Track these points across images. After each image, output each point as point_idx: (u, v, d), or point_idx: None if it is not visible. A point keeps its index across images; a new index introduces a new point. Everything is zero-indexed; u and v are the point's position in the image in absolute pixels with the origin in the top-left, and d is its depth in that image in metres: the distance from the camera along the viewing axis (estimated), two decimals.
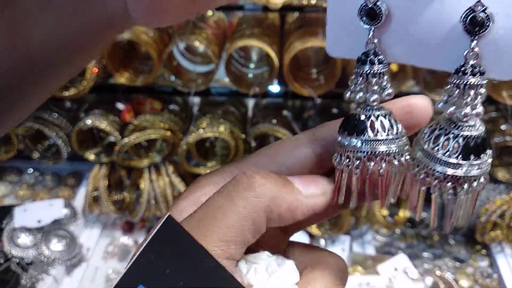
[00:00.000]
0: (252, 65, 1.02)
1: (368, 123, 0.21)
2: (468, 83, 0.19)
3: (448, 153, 0.20)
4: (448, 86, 0.20)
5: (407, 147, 0.22)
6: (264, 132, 1.01)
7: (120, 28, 0.24)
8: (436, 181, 0.21)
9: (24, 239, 1.05)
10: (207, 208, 0.21)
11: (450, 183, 0.21)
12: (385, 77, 0.21)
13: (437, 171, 0.21)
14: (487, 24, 0.19)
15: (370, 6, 0.20)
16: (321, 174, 0.25)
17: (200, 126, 1.01)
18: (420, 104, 0.24)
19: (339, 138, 0.22)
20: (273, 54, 0.88)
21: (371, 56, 0.21)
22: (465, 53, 0.20)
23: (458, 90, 0.20)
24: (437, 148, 0.21)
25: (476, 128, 0.20)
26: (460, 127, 0.20)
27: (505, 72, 0.20)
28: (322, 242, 1.07)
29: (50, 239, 1.06)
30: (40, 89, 0.25)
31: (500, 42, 0.20)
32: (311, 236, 1.09)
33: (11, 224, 1.05)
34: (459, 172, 0.20)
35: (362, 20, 0.21)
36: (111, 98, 1.09)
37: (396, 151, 0.22)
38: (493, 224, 1.04)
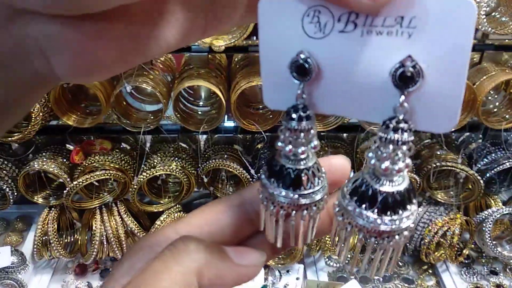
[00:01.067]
0: (201, 103, 1.04)
1: (294, 177, 0.22)
2: (389, 138, 0.19)
3: (367, 207, 0.20)
4: (376, 137, 0.20)
5: (326, 196, 0.23)
6: (216, 167, 1.03)
7: (49, 85, 0.23)
8: (361, 234, 0.21)
9: None
10: (144, 274, 0.22)
11: (373, 237, 0.21)
12: (312, 132, 0.22)
13: (359, 224, 0.20)
14: (417, 79, 0.19)
15: (300, 62, 0.20)
16: (254, 231, 0.27)
17: (152, 164, 1.02)
18: (339, 164, 0.26)
19: (265, 182, 0.23)
20: (220, 94, 0.91)
21: (300, 112, 0.21)
22: (394, 107, 0.19)
23: (380, 143, 0.20)
24: (358, 201, 0.21)
25: (397, 184, 0.20)
26: (381, 182, 0.20)
27: (437, 125, 0.20)
28: (276, 273, 1.09)
29: None
30: None
31: (431, 96, 0.19)
32: (265, 266, 1.10)
33: None
34: (381, 227, 0.20)
35: (293, 76, 0.21)
36: (59, 139, 1.07)
37: (318, 200, 0.22)
38: (436, 244, 1.10)
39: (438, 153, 1.08)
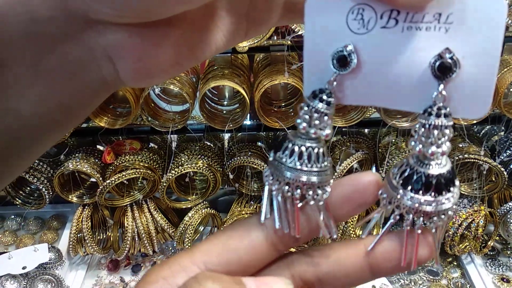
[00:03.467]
0: (225, 103, 1.08)
1: (297, 152, 0.23)
2: (433, 123, 0.21)
3: (415, 189, 0.21)
4: (417, 125, 0.21)
5: (329, 181, 0.23)
6: (241, 164, 1.06)
7: (112, 89, 0.24)
8: (410, 215, 0.22)
9: (9, 286, 1.06)
10: None
11: (421, 217, 0.22)
12: (326, 118, 0.23)
13: (407, 206, 0.22)
14: (454, 69, 0.20)
15: (344, 53, 0.22)
16: (276, 256, 0.24)
17: (179, 162, 1.06)
18: (368, 182, 0.23)
19: (272, 158, 0.24)
20: (244, 93, 0.94)
21: (323, 95, 0.22)
22: (433, 96, 0.21)
23: (423, 130, 0.21)
24: (405, 185, 0.22)
25: (442, 166, 0.21)
26: (427, 165, 0.21)
27: (472, 112, 0.21)
28: None
29: (36, 285, 1.07)
30: (32, 150, 0.25)
31: (466, 85, 0.21)
32: None
33: None
34: (428, 208, 0.21)
35: (332, 64, 0.22)
36: (89, 141, 1.12)
37: (319, 181, 0.23)
38: (460, 236, 1.11)
39: (461, 145, 1.09)
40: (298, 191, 0.23)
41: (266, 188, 0.24)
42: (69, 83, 0.22)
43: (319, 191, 0.23)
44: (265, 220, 0.24)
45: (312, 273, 0.24)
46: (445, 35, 0.20)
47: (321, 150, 0.23)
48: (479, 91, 0.21)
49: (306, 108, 0.23)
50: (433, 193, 0.21)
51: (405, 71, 0.21)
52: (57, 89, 0.22)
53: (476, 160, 1.03)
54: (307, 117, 0.23)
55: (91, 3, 0.19)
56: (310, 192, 0.23)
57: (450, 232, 1.10)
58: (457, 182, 0.22)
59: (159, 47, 0.22)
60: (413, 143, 0.22)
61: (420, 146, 0.21)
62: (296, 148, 0.23)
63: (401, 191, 0.22)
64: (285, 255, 0.25)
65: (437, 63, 0.20)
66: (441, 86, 0.21)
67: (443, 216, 0.22)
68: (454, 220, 1.09)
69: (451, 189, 0.22)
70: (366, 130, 1.19)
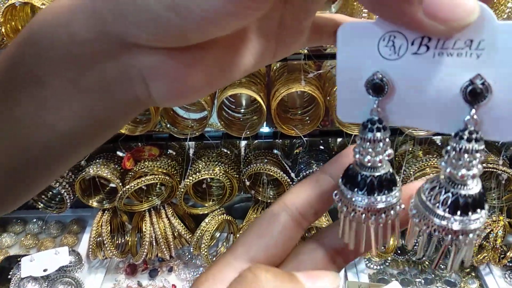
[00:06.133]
0: (242, 110, 1.09)
1: (370, 183, 0.24)
2: (464, 147, 0.21)
3: (445, 209, 0.22)
4: (448, 147, 0.22)
5: (400, 199, 0.25)
6: (257, 171, 1.08)
7: (144, 107, 0.25)
8: (436, 232, 0.22)
9: None
10: None
11: (449, 236, 0.22)
12: (387, 141, 0.24)
13: (436, 224, 0.22)
14: (486, 95, 0.21)
15: (376, 81, 0.23)
16: (301, 234, 0.26)
17: (197, 169, 1.08)
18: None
19: (342, 188, 0.25)
20: (261, 100, 0.95)
21: (376, 124, 0.23)
22: (465, 120, 0.21)
23: (454, 153, 0.21)
24: (436, 204, 0.22)
25: (471, 188, 0.22)
26: (457, 186, 0.22)
27: (504, 135, 0.22)
28: None
29: (56, 287, 1.09)
30: (63, 163, 0.26)
31: (498, 109, 0.21)
32: None
33: (18, 274, 1.09)
34: (456, 226, 0.22)
35: (368, 93, 0.23)
36: (109, 147, 1.15)
37: (395, 202, 0.24)
38: (479, 247, 1.10)
39: None
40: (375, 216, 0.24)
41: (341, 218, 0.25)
42: (104, 100, 0.23)
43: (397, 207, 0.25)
44: (287, 201, 0.26)
45: (339, 240, 0.26)
46: (476, 61, 0.21)
47: (388, 174, 0.24)
48: (510, 115, 0.21)
49: (366, 144, 0.23)
50: (460, 213, 0.22)
51: (437, 95, 0.22)
52: (92, 106, 0.23)
53: (495, 170, 1.02)
54: (370, 150, 0.23)
55: (129, 27, 0.20)
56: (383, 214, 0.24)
57: None
58: (486, 206, 0.23)
59: (192, 70, 0.23)
60: (443, 164, 0.22)
61: (450, 168, 0.22)
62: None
63: (430, 210, 0.22)
64: (313, 235, 0.28)
65: (469, 89, 0.21)
66: (473, 111, 0.21)
67: (471, 235, 0.22)
68: None
69: (479, 210, 0.22)
70: None
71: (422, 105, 0.22)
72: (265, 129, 1.10)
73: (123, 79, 0.22)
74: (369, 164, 0.24)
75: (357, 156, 0.24)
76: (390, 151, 0.24)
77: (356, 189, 0.24)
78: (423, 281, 1.12)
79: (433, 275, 1.13)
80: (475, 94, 0.21)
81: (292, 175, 1.08)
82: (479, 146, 0.21)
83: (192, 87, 0.23)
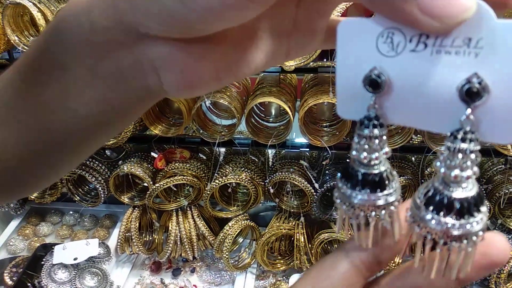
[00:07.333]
0: (271, 119, 1.12)
1: (365, 180, 0.24)
2: (458, 147, 0.20)
3: (444, 214, 0.21)
4: (443, 148, 0.21)
5: (398, 199, 0.25)
6: (282, 180, 1.10)
7: (156, 98, 0.26)
8: (430, 235, 0.22)
9: (61, 275, 1.15)
10: None
11: (442, 240, 0.22)
12: (384, 138, 0.23)
13: (430, 227, 0.22)
14: (482, 94, 0.20)
15: (373, 77, 0.22)
16: (364, 283, 0.26)
17: (224, 173, 1.11)
18: (500, 244, 0.23)
19: (341, 185, 0.25)
20: (289, 110, 0.98)
21: (373, 121, 0.23)
22: (461, 120, 0.21)
23: (448, 153, 0.21)
24: (433, 209, 0.22)
25: (467, 190, 0.21)
26: (451, 188, 0.21)
27: (502, 137, 0.21)
28: None
29: (84, 276, 1.15)
30: (83, 149, 0.28)
31: (496, 110, 0.20)
32: None
33: (50, 260, 1.16)
34: (451, 231, 0.21)
35: (366, 89, 0.23)
36: (145, 147, 1.21)
37: (394, 201, 0.24)
38: (508, 275, 1.06)
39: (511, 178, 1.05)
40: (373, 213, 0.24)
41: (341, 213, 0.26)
42: (119, 88, 0.24)
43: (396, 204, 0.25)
44: (350, 250, 0.26)
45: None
46: (475, 59, 0.20)
47: (387, 171, 0.24)
48: (509, 116, 0.21)
49: (362, 141, 0.23)
50: (455, 216, 0.21)
51: (434, 94, 0.21)
52: (109, 92, 0.24)
53: None
54: (366, 147, 0.23)
55: (141, 18, 0.21)
56: (383, 212, 0.24)
57: (496, 269, 1.05)
58: (483, 208, 0.22)
59: (201, 63, 0.24)
60: (438, 164, 0.21)
61: (445, 168, 0.21)
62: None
63: (428, 215, 0.22)
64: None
65: (465, 88, 0.20)
66: (469, 110, 0.20)
67: (474, 238, 0.21)
68: None
69: (475, 214, 0.21)
70: (413, 158, 1.18)
71: (420, 104, 0.22)
72: (297, 139, 1.12)
73: (136, 68, 0.23)
74: (365, 161, 0.23)
75: (354, 153, 0.24)
76: (387, 149, 0.23)
77: (351, 185, 0.24)
78: None
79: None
80: (471, 94, 0.20)
81: (316, 185, 1.09)
82: (474, 147, 0.21)
83: (200, 79, 0.24)
